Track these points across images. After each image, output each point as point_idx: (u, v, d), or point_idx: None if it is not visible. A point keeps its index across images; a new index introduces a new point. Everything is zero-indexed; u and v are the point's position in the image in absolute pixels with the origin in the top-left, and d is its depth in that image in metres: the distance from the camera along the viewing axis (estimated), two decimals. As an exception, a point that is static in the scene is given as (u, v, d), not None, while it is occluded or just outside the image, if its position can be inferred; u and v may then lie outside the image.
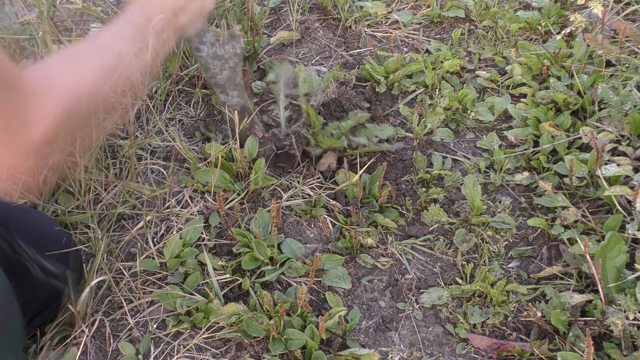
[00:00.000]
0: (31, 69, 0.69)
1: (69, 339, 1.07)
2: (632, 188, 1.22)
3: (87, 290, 1.07)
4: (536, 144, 1.45)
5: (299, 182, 1.38)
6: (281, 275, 1.20)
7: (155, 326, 1.12)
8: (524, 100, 1.56)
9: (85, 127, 0.75)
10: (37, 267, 1.01)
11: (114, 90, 0.78)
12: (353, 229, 1.26)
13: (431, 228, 1.32)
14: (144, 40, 0.87)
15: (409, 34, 1.85)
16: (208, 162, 1.37)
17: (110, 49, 0.83)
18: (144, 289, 1.16)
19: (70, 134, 0.71)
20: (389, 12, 1.92)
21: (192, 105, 1.57)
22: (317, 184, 1.38)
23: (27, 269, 0.99)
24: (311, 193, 1.36)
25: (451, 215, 1.34)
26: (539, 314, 1.07)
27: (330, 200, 1.34)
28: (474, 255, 1.26)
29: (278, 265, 1.21)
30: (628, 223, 1.19)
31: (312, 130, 1.41)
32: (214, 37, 1.28)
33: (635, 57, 1.55)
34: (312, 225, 1.33)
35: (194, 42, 1.25)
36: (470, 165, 1.45)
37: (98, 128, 0.78)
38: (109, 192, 1.27)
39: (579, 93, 1.53)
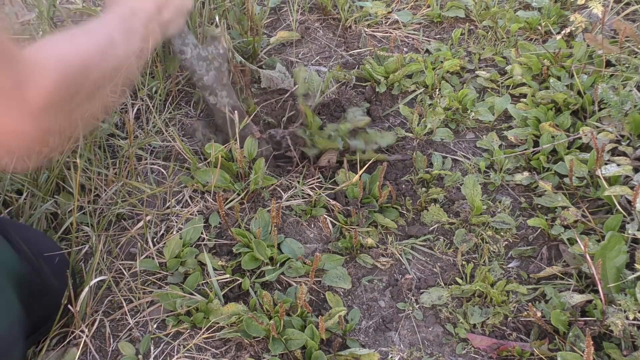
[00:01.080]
0: (28, 48, 0.72)
1: (69, 339, 1.07)
2: (632, 188, 1.22)
3: (86, 290, 1.07)
4: (536, 144, 1.45)
5: (299, 182, 1.38)
6: (281, 275, 1.20)
7: (155, 326, 1.12)
8: (524, 100, 1.56)
9: (85, 101, 0.76)
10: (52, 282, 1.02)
11: (109, 73, 0.81)
12: (353, 229, 1.26)
13: (431, 228, 1.32)
14: (130, 30, 0.90)
15: (409, 34, 1.85)
16: (208, 162, 1.37)
17: (100, 32, 0.86)
18: (144, 289, 1.16)
19: (70, 104, 0.73)
20: (389, 12, 1.92)
21: (192, 105, 1.57)
22: (317, 184, 1.38)
23: (44, 286, 1.00)
24: (311, 193, 1.35)
25: (451, 215, 1.34)
26: (539, 314, 1.07)
27: (330, 200, 1.34)
28: (474, 255, 1.26)
29: (278, 265, 1.21)
30: (628, 223, 1.19)
31: (309, 131, 1.41)
32: (195, 40, 1.30)
33: (635, 57, 1.55)
34: (312, 225, 1.33)
35: (177, 45, 1.27)
36: (470, 165, 1.45)
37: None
38: (107, 192, 1.27)
39: (579, 93, 1.52)
